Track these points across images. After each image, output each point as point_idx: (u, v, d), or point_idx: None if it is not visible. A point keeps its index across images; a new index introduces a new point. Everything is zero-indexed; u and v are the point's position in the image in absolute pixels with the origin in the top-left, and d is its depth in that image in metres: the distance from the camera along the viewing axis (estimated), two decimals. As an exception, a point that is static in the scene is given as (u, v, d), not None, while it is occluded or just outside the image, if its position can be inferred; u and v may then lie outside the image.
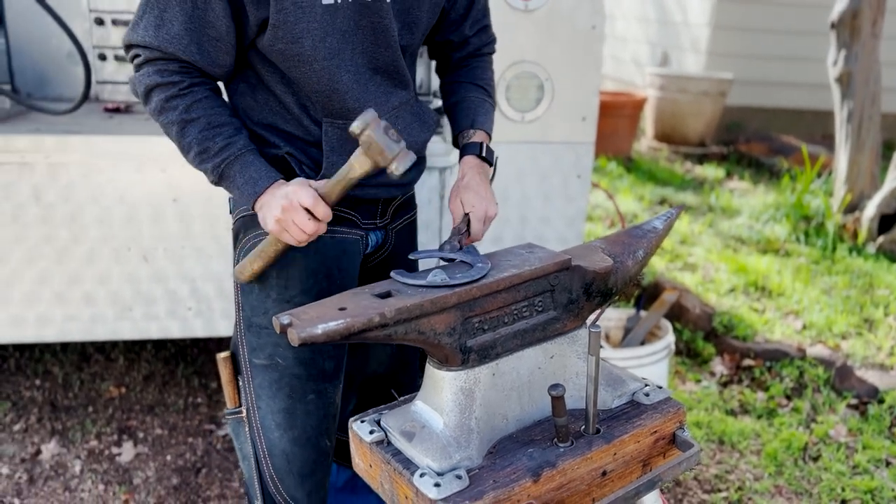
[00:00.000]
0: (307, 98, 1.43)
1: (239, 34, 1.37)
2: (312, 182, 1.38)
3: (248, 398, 1.59)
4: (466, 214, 1.50)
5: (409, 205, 1.71)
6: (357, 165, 1.32)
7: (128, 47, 1.38)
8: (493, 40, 1.72)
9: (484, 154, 1.58)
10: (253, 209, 1.41)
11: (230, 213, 1.61)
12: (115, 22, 2.71)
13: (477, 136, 1.59)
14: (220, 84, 1.49)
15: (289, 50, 1.35)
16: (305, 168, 1.47)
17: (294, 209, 1.32)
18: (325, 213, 1.34)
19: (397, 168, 1.29)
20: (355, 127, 1.27)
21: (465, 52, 1.66)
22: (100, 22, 2.71)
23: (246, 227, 1.53)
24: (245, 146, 1.40)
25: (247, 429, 1.61)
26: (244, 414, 1.61)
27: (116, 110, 2.63)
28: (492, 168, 1.61)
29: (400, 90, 1.52)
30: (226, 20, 1.33)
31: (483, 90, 1.65)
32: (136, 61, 1.37)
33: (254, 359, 1.56)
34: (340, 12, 1.35)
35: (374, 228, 1.60)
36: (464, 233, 1.48)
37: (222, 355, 1.63)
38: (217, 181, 1.41)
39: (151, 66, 1.35)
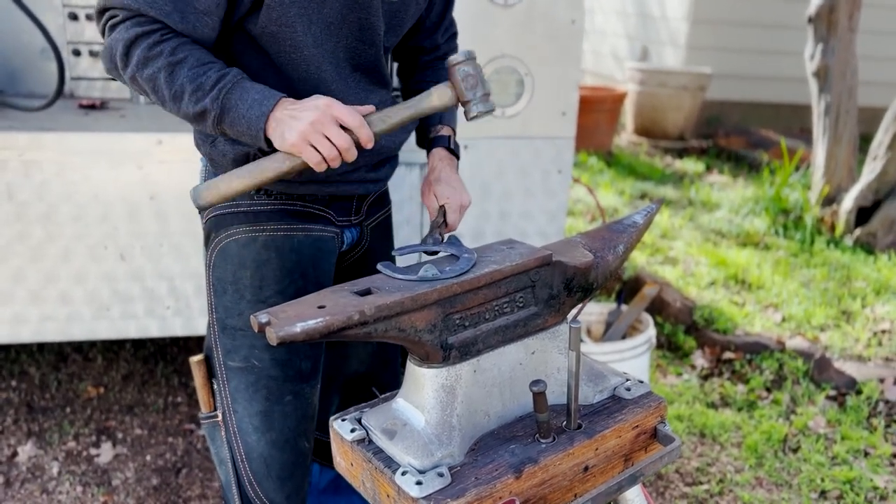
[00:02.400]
0: (290, 90, 1.38)
1: (229, 11, 1.31)
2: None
3: (224, 401, 1.56)
4: (442, 206, 1.50)
5: (384, 201, 1.70)
6: (436, 97, 1.30)
7: (103, 11, 1.28)
8: (457, 47, 1.74)
9: (453, 147, 1.60)
10: (266, 134, 1.27)
11: (199, 212, 1.56)
12: (89, 17, 2.67)
13: (444, 131, 1.60)
14: None
15: (281, 33, 1.32)
16: None
17: (328, 122, 1.22)
18: (367, 135, 1.24)
19: (479, 109, 1.30)
20: (459, 56, 1.28)
21: (432, 56, 1.67)
22: (73, 17, 2.67)
23: (218, 226, 1.49)
24: (238, 73, 1.28)
25: (223, 433, 1.57)
26: (220, 418, 1.57)
27: (91, 107, 2.59)
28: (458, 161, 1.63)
29: (379, 89, 1.51)
30: None
31: None
32: (112, 21, 1.27)
33: (229, 361, 1.53)
34: (328, 3, 1.33)
35: (349, 226, 1.59)
36: (441, 224, 1.48)
37: (195, 359, 1.59)
38: (219, 117, 1.27)
39: (129, 23, 1.25)
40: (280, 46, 1.34)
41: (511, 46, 2.43)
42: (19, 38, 2.65)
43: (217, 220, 1.49)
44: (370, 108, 1.33)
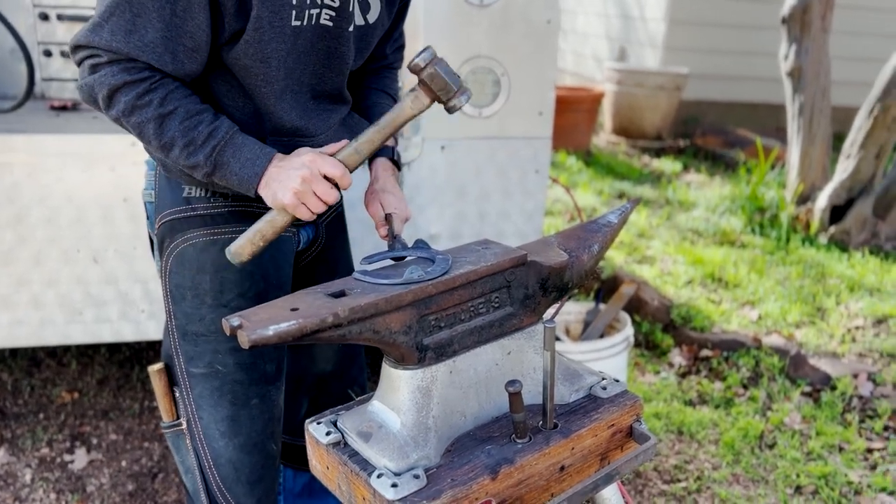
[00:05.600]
0: (255, 115, 1.38)
1: (212, 44, 1.30)
2: (324, 148, 1.33)
3: (188, 409, 1.53)
4: (389, 215, 1.50)
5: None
6: (411, 106, 1.29)
7: (81, 48, 1.23)
8: (403, 58, 1.74)
9: (395, 158, 1.60)
10: (257, 192, 1.31)
11: (147, 218, 1.52)
12: (60, 17, 2.64)
13: (388, 141, 1.60)
14: None
15: (255, 68, 1.31)
16: None
17: (316, 179, 1.26)
18: (349, 182, 1.29)
19: (459, 102, 1.29)
20: (419, 60, 1.25)
21: (378, 65, 1.67)
22: (44, 17, 2.63)
23: (173, 231, 1.45)
24: (230, 127, 1.31)
25: (188, 441, 1.55)
26: (184, 426, 1.55)
27: (63, 108, 2.56)
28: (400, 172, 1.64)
29: (340, 106, 1.51)
30: (206, 30, 1.25)
31: (392, 99, 1.67)
32: (89, 62, 1.24)
33: (192, 368, 1.50)
34: (303, 34, 1.32)
35: (304, 224, 1.59)
36: (390, 233, 1.49)
37: (155, 367, 1.55)
38: (211, 172, 1.30)
39: (115, 66, 1.22)
40: (252, 79, 1.33)
41: (487, 47, 2.43)
42: (-12, 39, 2.61)
43: (171, 224, 1.46)
44: (343, 142, 1.34)
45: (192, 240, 1.44)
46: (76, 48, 1.25)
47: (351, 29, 1.40)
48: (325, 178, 1.28)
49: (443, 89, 1.28)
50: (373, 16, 1.45)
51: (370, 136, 1.34)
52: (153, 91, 1.25)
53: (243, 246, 1.34)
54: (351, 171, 1.32)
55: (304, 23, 1.31)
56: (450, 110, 1.32)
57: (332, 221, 1.68)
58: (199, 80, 1.37)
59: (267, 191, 1.29)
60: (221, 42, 1.30)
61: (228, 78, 1.36)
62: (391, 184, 1.55)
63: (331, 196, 1.28)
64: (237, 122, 1.38)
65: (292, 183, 1.26)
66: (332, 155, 1.32)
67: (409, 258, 1.30)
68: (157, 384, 1.57)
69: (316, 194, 1.27)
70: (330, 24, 1.35)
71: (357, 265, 1.38)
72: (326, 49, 1.38)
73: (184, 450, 1.56)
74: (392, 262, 1.34)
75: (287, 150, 1.40)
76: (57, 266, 2.24)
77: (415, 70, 1.28)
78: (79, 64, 1.26)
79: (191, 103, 1.29)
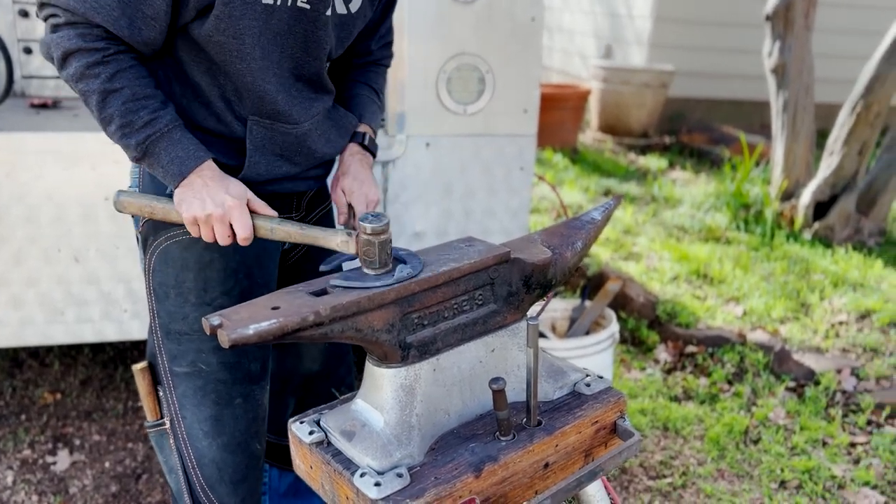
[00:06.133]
0: (234, 93, 1.37)
1: (174, 17, 1.29)
2: (253, 198, 1.33)
3: (172, 408, 1.52)
4: (350, 206, 1.51)
5: (323, 196, 1.70)
6: (338, 243, 1.29)
7: (45, 5, 1.24)
8: (392, 55, 1.73)
9: (367, 143, 1.60)
10: (175, 188, 1.33)
11: (133, 216, 1.51)
12: (39, 13, 2.60)
13: (362, 128, 1.60)
14: None
15: (229, 44, 1.30)
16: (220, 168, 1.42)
17: (222, 223, 1.29)
18: (247, 244, 1.33)
19: (379, 272, 1.28)
20: (367, 225, 1.22)
21: (364, 60, 1.66)
22: (24, 14, 2.60)
23: (157, 229, 1.45)
24: (172, 121, 1.31)
25: (171, 440, 1.54)
26: (167, 425, 1.54)
27: (43, 106, 2.53)
28: (374, 159, 1.64)
29: (322, 96, 1.50)
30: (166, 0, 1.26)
31: (375, 93, 1.67)
32: (52, 21, 1.24)
33: (175, 367, 1.49)
34: (276, 14, 1.32)
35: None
36: (351, 222, 1.48)
37: (139, 366, 1.54)
38: (139, 157, 1.31)
39: (72, 29, 1.23)
40: (226, 56, 1.32)
41: (472, 44, 2.43)
42: (-33, 36, 2.57)
43: (155, 222, 1.45)
44: (273, 213, 1.35)
45: (176, 237, 1.43)
46: (41, 5, 1.26)
47: (328, 14, 1.39)
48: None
49: (369, 260, 1.23)
50: (354, 5, 1.44)
51: (290, 230, 1.34)
52: (104, 64, 1.25)
53: (131, 203, 1.36)
54: (254, 237, 1.34)
55: (278, 2, 1.30)
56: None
57: (320, 220, 1.67)
58: (178, 58, 1.36)
59: (181, 192, 1.31)
60: (189, 17, 1.29)
61: (206, 55, 1.35)
62: (356, 168, 1.54)
63: (223, 241, 1.31)
64: (218, 99, 1.38)
65: (200, 211, 1.29)
66: (254, 213, 1.33)
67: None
68: (141, 383, 1.55)
69: (215, 233, 1.30)
70: (307, 6, 1.34)
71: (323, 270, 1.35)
72: (304, 32, 1.37)
73: (167, 449, 1.55)
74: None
75: (269, 133, 1.40)
76: (37, 265, 2.21)
77: (361, 229, 1.24)
78: (44, 21, 1.28)
79: (140, 86, 1.28)
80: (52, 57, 1.26)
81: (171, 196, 1.36)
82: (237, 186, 1.33)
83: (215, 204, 1.28)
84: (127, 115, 1.27)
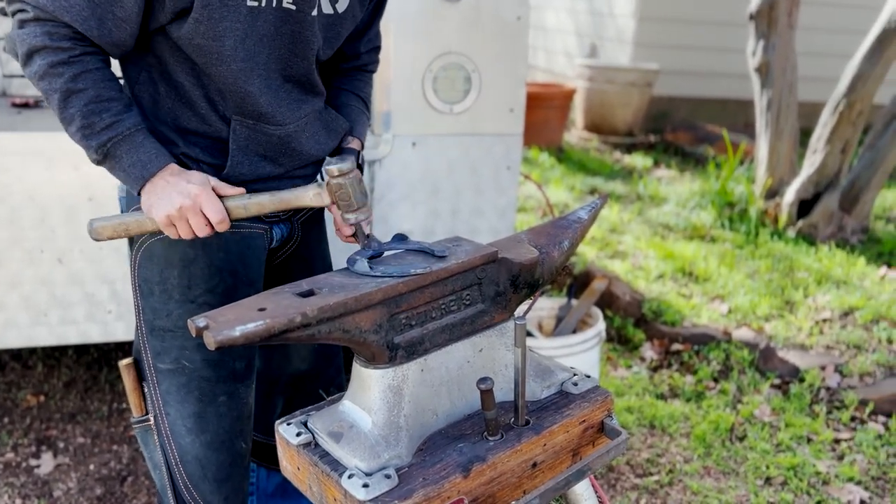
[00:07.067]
0: (218, 93, 1.36)
1: (146, 17, 1.28)
2: (216, 182, 1.33)
3: (156, 405, 1.52)
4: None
5: None
6: (311, 197, 1.29)
7: (13, 0, 1.23)
8: (378, 61, 1.73)
9: (360, 163, 1.60)
10: (137, 194, 1.32)
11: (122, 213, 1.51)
12: (21, 12, 2.57)
13: (354, 144, 1.59)
14: (118, 73, 1.40)
15: (209, 46, 1.29)
16: (204, 168, 1.41)
17: (194, 213, 1.28)
18: (226, 228, 1.32)
19: (357, 217, 1.31)
20: (334, 168, 1.25)
21: (351, 64, 1.65)
22: (5, 13, 2.57)
23: None
24: (135, 125, 1.30)
25: (156, 436, 1.54)
26: (152, 421, 1.54)
27: (25, 105, 2.50)
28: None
29: (312, 98, 1.49)
30: (138, 1, 1.25)
31: (363, 102, 1.66)
32: (19, 16, 1.23)
33: (159, 363, 1.49)
34: (262, 16, 1.31)
35: (278, 221, 1.56)
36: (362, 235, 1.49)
37: (124, 362, 1.55)
38: (100, 160, 1.30)
39: (39, 26, 1.21)
40: (208, 58, 1.31)
41: (458, 43, 2.43)
42: (-54, 34, 2.54)
43: None
44: (240, 190, 1.35)
45: (161, 234, 1.42)
46: (10, 0, 1.24)
47: (315, 13, 1.38)
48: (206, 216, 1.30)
49: (345, 202, 1.29)
50: (341, 5, 1.44)
51: (262, 201, 1.35)
52: (69, 64, 1.24)
53: (105, 228, 1.35)
54: (231, 221, 1.34)
55: (263, 4, 1.30)
56: (345, 220, 1.36)
57: (309, 219, 1.66)
58: (161, 59, 1.36)
59: (146, 199, 1.31)
60: (166, 20, 1.28)
61: (187, 57, 1.33)
62: None
63: (202, 231, 1.31)
64: (202, 99, 1.37)
65: (169, 207, 1.28)
66: (223, 196, 1.33)
67: (393, 252, 1.29)
68: (127, 379, 1.56)
69: (190, 225, 1.30)
70: (293, 6, 1.33)
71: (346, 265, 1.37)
72: (291, 33, 1.36)
73: (152, 445, 1.55)
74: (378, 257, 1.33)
75: (252, 133, 1.39)
76: (20, 267, 2.19)
77: (328, 173, 1.28)
78: (12, 16, 1.26)
79: (104, 89, 1.28)
80: (17, 53, 1.25)
81: (139, 209, 1.36)
82: (198, 175, 1.33)
83: (182, 196, 1.28)
84: (89, 116, 1.26)
